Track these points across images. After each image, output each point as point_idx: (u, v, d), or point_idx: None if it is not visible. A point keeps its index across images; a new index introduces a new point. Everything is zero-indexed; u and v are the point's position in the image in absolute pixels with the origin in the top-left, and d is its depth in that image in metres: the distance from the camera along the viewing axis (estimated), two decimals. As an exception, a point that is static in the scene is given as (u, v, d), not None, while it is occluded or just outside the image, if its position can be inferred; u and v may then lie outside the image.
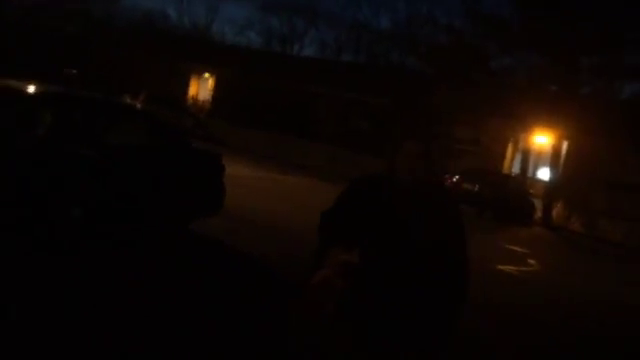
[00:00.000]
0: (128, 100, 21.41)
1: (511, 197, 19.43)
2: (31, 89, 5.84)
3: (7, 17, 26.32)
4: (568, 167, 22.51)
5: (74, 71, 18.80)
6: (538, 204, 20.68)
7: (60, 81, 10.71)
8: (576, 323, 7.59)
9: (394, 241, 2.68)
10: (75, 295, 4.61)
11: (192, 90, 32.25)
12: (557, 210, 21.14)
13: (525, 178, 22.49)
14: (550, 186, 21.42)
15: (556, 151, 21.77)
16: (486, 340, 5.90)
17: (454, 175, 20.07)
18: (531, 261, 12.03)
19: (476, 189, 19.42)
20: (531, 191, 21.54)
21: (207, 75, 31.98)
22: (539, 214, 20.50)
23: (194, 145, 7.90)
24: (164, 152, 6.83)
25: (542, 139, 22.33)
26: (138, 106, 14.83)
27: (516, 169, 23.92)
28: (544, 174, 23.21)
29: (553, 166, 21.79)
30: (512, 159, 24.67)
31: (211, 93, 31.48)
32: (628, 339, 7.39)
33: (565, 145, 22.48)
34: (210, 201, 7.28)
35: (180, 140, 7.38)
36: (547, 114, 20.16)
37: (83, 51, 29.93)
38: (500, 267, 10.50)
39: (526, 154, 22.81)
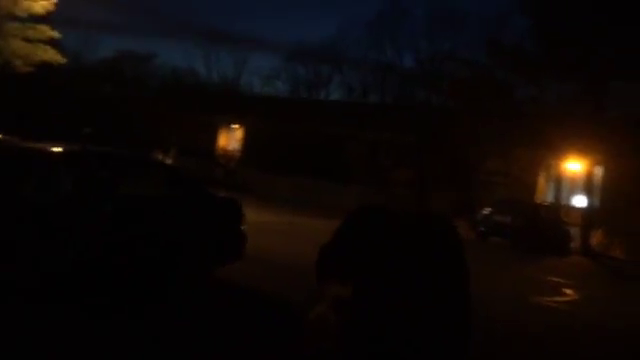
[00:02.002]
0: (160, 156, 22.05)
1: (545, 227, 19.03)
2: (49, 148, 6.12)
3: (48, 82, 27.65)
4: (604, 192, 22.02)
5: (90, 129, 19.69)
6: (575, 232, 20.18)
7: (77, 140, 11.12)
8: (614, 350, 7.33)
9: (388, 273, 2.67)
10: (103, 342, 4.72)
11: (221, 141, 32.97)
12: (596, 237, 20.59)
13: (559, 206, 22.05)
14: (587, 213, 20.94)
15: (590, 176, 21.35)
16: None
17: (485, 207, 19.84)
18: (567, 291, 11.70)
19: (508, 220, 19.12)
20: (565, 219, 21.06)
21: (236, 126, 32.70)
22: (576, 243, 19.98)
23: (215, 194, 8.09)
24: (183, 202, 7.00)
25: (575, 165, 21.97)
26: (157, 159, 15.23)
27: (549, 198, 23.49)
28: (579, 201, 22.72)
29: (588, 192, 21.34)
30: (545, 187, 24.26)
31: (240, 143, 32.11)
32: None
33: (599, 170, 22.05)
34: (231, 249, 7.39)
35: (199, 190, 7.56)
36: (577, 140, 19.88)
37: (115, 111, 31.02)
38: (535, 299, 10.25)
39: (558, 182, 22.42)
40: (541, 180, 24.23)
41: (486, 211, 19.70)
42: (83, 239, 5.91)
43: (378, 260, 2.69)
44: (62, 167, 6.10)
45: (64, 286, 5.86)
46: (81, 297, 5.85)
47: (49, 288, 5.72)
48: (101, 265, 6.12)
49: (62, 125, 22.87)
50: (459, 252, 2.74)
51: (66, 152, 6.09)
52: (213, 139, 32.54)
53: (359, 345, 2.69)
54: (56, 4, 21.01)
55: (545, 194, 24.13)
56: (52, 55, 21.88)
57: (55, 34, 21.72)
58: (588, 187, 21.34)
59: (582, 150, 20.43)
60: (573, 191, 23.76)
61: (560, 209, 21.93)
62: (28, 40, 21.39)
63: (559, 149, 21.01)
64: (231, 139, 33.03)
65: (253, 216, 8.88)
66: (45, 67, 22.37)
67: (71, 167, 6.06)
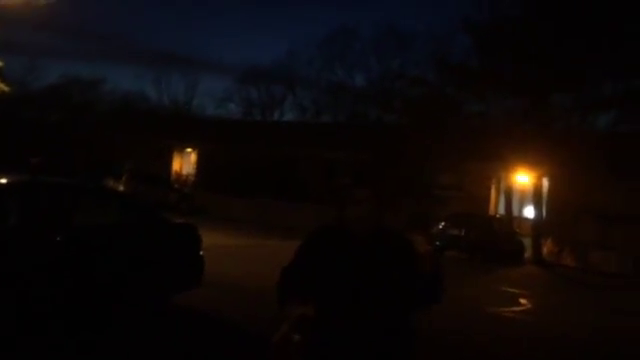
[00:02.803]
0: (111, 182, 21.62)
1: (498, 238, 19.50)
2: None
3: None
4: (551, 203, 22.73)
5: (38, 159, 19.22)
6: (527, 243, 20.74)
7: (26, 170, 10.86)
8: (565, 358, 7.54)
9: (348, 288, 2.71)
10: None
11: (175, 165, 32.60)
12: (547, 247, 21.20)
13: (511, 218, 22.64)
14: (536, 223, 21.56)
15: (537, 188, 22.02)
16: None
17: (439, 222, 20.19)
18: (522, 300, 11.99)
19: (462, 234, 19.50)
20: (518, 230, 21.64)
21: (189, 149, 32.42)
22: (529, 253, 20.52)
23: (170, 219, 7.99)
24: (136, 229, 6.90)
25: (523, 178, 22.63)
26: (109, 187, 14.92)
27: (501, 210, 24.09)
28: (529, 212, 23.38)
29: (537, 203, 21.99)
30: (496, 200, 24.90)
31: (194, 166, 31.82)
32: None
33: (546, 181, 22.76)
34: (189, 274, 7.29)
35: (154, 216, 7.46)
36: (524, 153, 20.51)
37: (63, 138, 30.34)
38: (491, 309, 10.47)
39: (509, 194, 23.04)
40: (493, 193, 24.87)
41: (441, 225, 20.03)
42: (32, 273, 5.75)
43: (338, 278, 2.74)
44: (9, 199, 5.95)
45: (12, 320, 5.68)
46: (30, 330, 5.68)
47: None
48: (52, 297, 5.95)
49: (9, 155, 22.19)
50: (412, 261, 2.78)
51: (14, 183, 5.95)
52: (167, 163, 32.15)
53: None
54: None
55: (497, 206, 24.75)
56: (-5, 84, 21.30)
57: (-2, 62, 21.15)
58: (536, 198, 21.99)
59: (529, 163, 21.08)
60: (523, 203, 24.47)
61: (512, 220, 22.52)
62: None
63: (508, 162, 21.62)
64: (185, 163, 32.70)
65: (210, 240, 8.80)
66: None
67: (19, 199, 5.90)
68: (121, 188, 20.20)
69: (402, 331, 2.76)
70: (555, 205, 22.40)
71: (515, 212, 23.57)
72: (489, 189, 24.88)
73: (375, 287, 2.71)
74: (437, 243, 19.61)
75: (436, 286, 2.78)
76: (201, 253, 7.58)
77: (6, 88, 21.74)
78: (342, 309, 2.71)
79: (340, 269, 2.74)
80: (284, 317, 2.70)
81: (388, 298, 2.72)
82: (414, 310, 2.79)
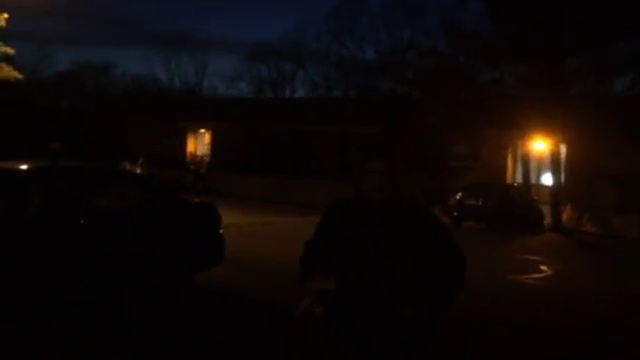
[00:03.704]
0: (127, 166, 21.77)
1: (517, 207, 19.36)
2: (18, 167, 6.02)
3: (4, 98, 27.06)
4: (570, 169, 22.50)
5: (57, 144, 19.27)
6: (546, 210, 20.60)
7: (45, 156, 10.92)
8: (586, 324, 7.52)
9: (365, 258, 2.71)
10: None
11: (190, 146, 32.72)
12: (566, 213, 21.05)
13: (529, 186, 22.47)
14: (555, 190, 21.37)
15: (555, 155, 21.79)
16: (493, 348, 5.87)
17: (456, 192, 20.09)
18: (543, 267, 11.95)
19: (480, 203, 19.42)
20: (536, 198, 21.46)
21: (203, 130, 32.48)
22: (548, 220, 20.39)
23: (188, 200, 8.04)
24: (155, 211, 6.93)
25: (540, 145, 22.39)
26: (127, 170, 14.98)
27: (518, 178, 23.90)
28: (547, 179, 23.18)
29: (555, 170, 21.77)
30: (513, 169, 24.69)
31: (209, 147, 31.92)
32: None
33: (563, 147, 22.50)
34: (210, 253, 7.35)
35: (173, 197, 7.49)
36: (541, 120, 20.25)
37: (78, 123, 30.54)
38: (511, 277, 10.45)
39: (526, 162, 22.82)
40: (510, 161, 24.66)
41: (458, 196, 19.94)
42: (56, 258, 5.82)
43: (355, 249, 2.74)
44: (32, 185, 6.00)
45: (37, 302, 5.77)
46: (58, 312, 5.77)
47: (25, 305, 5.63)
48: (78, 280, 6.04)
49: (25, 141, 22.40)
50: (435, 230, 2.79)
51: (36, 169, 5.99)
52: (181, 145, 32.27)
53: (346, 335, 2.74)
54: (7, 20, 20.52)
55: (514, 175, 24.55)
56: (8, 72, 21.38)
57: (10, 50, 21.22)
58: (554, 165, 21.78)
59: (546, 129, 20.82)
60: (541, 170, 24.24)
61: (530, 188, 22.35)
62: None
63: (524, 130, 21.37)
64: (199, 144, 32.80)
65: (228, 219, 8.84)
66: (2, 85, 21.86)
67: (41, 184, 5.95)
68: (138, 171, 20.33)
69: (420, 300, 2.72)
70: (573, 171, 22.16)
71: (533, 180, 23.37)
72: (506, 158, 24.66)
73: (391, 256, 2.70)
74: (455, 214, 19.59)
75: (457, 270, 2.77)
76: (221, 232, 7.63)
77: (19, 76, 21.84)
78: (360, 280, 2.72)
79: (356, 240, 2.74)
80: (305, 291, 2.71)
81: (404, 267, 2.71)
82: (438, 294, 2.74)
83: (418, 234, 2.74)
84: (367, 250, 2.71)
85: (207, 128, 32.11)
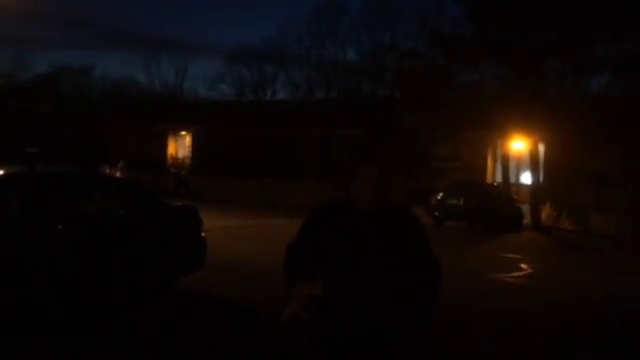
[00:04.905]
0: (107, 170, 21.58)
1: (497, 206, 19.58)
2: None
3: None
4: (548, 168, 22.81)
5: (35, 149, 18.99)
6: (526, 209, 20.85)
7: (23, 160, 10.81)
8: (566, 321, 7.63)
9: (354, 264, 2.72)
10: None
11: (171, 149, 32.54)
12: (545, 212, 21.32)
13: (508, 185, 22.72)
14: (534, 189, 21.64)
15: (534, 154, 22.07)
16: (471, 346, 5.94)
17: (437, 193, 20.25)
18: (523, 265, 12.10)
19: (461, 203, 19.60)
20: (515, 197, 21.73)
21: (184, 133, 32.31)
22: (527, 219, 20.64)
23: (170, 203, 8.00)
24: (136, 215, 6.89)
25: (519, 145, 22.66)
26: (107, 174, 14.85)
27: (498, 178, 24.16)
28: (527, 179, 23.46)
29: (534, 169, 22.05)
30: (493, 169, 24.96)
31: (190, 149, 31.77)
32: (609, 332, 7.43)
33: (542, 147, 22.80)
34: (192, 257, 7.32)
35: (153, 201, 7.45)
36: (520, 120, 20.50)
37: (57, 127, 30.20)
38: (492, 275, 10.56)
39: (506, 162, 23.08)
40: (489, 161, 24.92)
41: (439, 196, 20.10)
42: (35, 264, 5.77)
43: (344, 254, 2.74)
44: (9, 191, 5.94)
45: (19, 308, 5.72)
46: (38, 318, 5.72)
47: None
48: (57, 285, 5.98)
49: (2, 146, 22.09)
50: (420, 234, 2.83)
51: (13, 175, 5.93)
52: (162, 148, 32.06)
53: (333, 341, 2.75)
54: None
55: (494, 174, 24.82)
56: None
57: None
58: (533, 164, 22.05)
59: (525, 129, 21.08)
60: (520, 169, 24.53)
61: (509, 188, 22.60)
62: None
63: (504, 130, 21.62)
64: (180, 146, 32.62)
65: (210, 222, 8.81)
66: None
67: (19, 190, 5.89)
68: (118, 175, 20.16)
69: (409, 307, 2.74)
70: (552, 170, 22.47)
71: (512, 179, 23.65)
72: (486, 158, 24.92)
73: (380, 262, 2.71)
74: (436, 214, 19.74)
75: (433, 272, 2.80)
76: (203, 235, 7.60)
77: (-4, 79, 21.55)
78: (348, 285, 2.72)
79: (346, 245, 2.74)
80: (292, 296, 2.71)
81: (395, 274, 2.73)
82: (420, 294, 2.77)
83: (407, 236, 2.78)
84: (359, 253, 2.71)
85: (188, 131, 31.94)
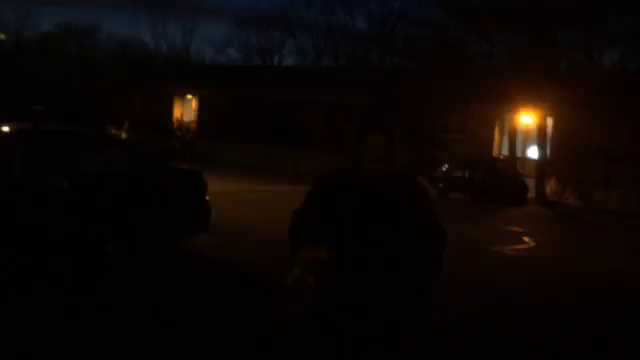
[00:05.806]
0: (112, 130, 21.55)
1: (502, 179, 19.51)
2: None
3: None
4: (555, 142, 22.63)
5: (41, 107, 18.93)
6: (531, 183, 20.78)
7: (28, 119, 10.75)
8: (568, 294, 7.66)
9: (360, 229, 2.71)
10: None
11: (176, 112, 32.38)
12: (550, 186, 21.25)
13: (514, 158, 22.60)
14: (540, 163, 21.53)
15: (541, 128, 21.89)
16: (471, 318, 5.98)
17: (442, 164, 20.18)
18: (526, 239, 12.11)
19: (466, 175, 19.54)
20: (521, 171, 21.64)
21: (190, 96, 32.13)
22: (532, 193, 20.59)
23: (175, 166, 7.98)
24: (140, 176, 6.88)
25: (527, 118, 22.46)
26: (112, 135, 14.82)
27: (504, 151, 24.03)
28: (533, 153, 23.33)
29: (541, 143, 21.90)
30: (500, 141, 24.79)
31: (195, 113, 31.62)
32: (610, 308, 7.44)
33: (550, 121, 22.60)
34: (196, 220, 7.32)
35: (158, 163, 7.43)
36: (529, 93, 20.28)
37: (62, 87, 30.06)
38: (495, 248, 10.58)
39: (513, 135, 22.91)
40: (496, 134, 24.73)
41: (444, 168, 20.03)
42: (40, 222, 5.78)
43: (351, 219, 2.73)
44: (14, 147, 5.92)
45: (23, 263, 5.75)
46: (42, 275, 5.75)
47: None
48: (60, 243, 6.01)
49: (7, 104, 22.03)
50: (427, 203, 2.83)
51: (19, 132, 5.90)
52: (168, 111, 31.91)
53: (337, 305, 2.75)
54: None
55: (501, 147, 24.66)
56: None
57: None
58: (540, 138, 21.89)
59: (533, 103, 20.87)
60: (527, 143, 24.35)
61: (515, 161, 22.49)
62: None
63: (512, 103, 21.39)
64: (186, 110, 32.44)
65: (214, 187, 8.79)
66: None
67: (24, 147, 5.86)
68: (123, 136, 20.14)
69: (414, 273, 2.74)
70: (559, 145, 22.29)
71: (519, 153, 23.50)
72: (493, 130, 24.71)
73: (387, 228, 2.71)
74: (440, 185, 19.70)
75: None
76: (207, 199, 7.60)
77: (2, 36, 21.38)
78: (354, 250, 2.71)
79: (353, 211, 2.73)
80: (297, 260, 2.70)
81: (400, 241, 2.72)
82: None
83: (413, 203, 2.77)
84: (365, 220, 2.70)
85: (194, 94, 31.74)
